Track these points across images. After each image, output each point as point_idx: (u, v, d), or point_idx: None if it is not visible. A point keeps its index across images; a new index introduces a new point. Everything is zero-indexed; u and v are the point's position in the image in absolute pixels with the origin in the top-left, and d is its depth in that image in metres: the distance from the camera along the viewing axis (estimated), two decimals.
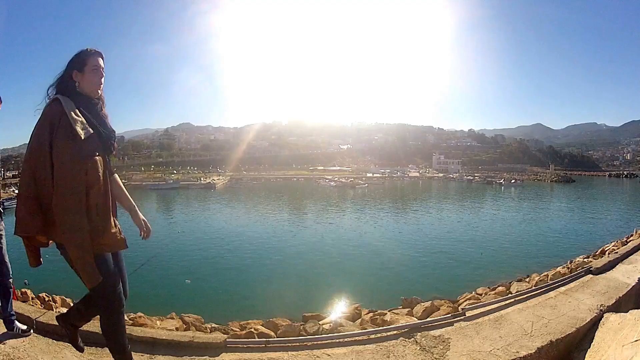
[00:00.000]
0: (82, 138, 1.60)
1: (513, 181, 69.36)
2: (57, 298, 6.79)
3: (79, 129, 1.60)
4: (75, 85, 1.72)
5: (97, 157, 1.67)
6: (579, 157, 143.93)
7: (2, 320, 2.36)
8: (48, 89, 1.74)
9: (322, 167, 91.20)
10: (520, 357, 2.14)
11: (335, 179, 62.08)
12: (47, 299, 7.23)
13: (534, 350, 2.20)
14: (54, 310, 4.91)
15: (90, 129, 1.66)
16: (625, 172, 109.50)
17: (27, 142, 1.69)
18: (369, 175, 76.63)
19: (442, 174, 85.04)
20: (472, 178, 73.84)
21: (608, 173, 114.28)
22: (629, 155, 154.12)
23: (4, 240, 2.42)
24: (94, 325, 2.53)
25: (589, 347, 2.33)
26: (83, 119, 1.65)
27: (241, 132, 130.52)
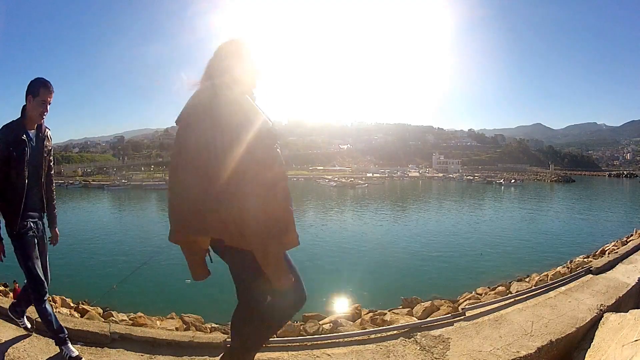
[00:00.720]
0: (271, 129, 1.49)
1: (513, 181, 69.36)
2: (57, 298, 6.80)
3: (265, 118, 1.48)
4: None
5: (279, 150, 1.54)
6: (579, 157, 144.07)
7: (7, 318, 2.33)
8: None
9: (322, 167, 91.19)
10: (521, 357, 2.14)
11: (335, 178, 62.10)
12: None
13: (534, 350, 2.19)
14: (54, 310, 4.90)
15: (269, 121, 1.53)
16: (625, 172, 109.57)
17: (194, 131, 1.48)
18: (369, 175, 76.65)
19: (442, 174, 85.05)
20: (472, 178, 73.85)
21: (608, 173, 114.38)
22: (629, 155, 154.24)
23: (47, 249, 2.26)
24: (93, 325, 2.53)
25: (589, 346, 2.33)
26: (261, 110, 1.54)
27: None
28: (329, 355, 2.22)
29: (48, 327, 2.09)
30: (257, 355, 2.29)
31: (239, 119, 1.42)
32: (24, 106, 2.08)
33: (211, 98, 1.47)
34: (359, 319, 7.21)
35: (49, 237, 2.31)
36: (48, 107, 2.10)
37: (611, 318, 2.50)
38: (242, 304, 1.68)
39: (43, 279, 2.11)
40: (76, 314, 7.10)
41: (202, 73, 1.59)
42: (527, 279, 10.93)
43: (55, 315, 2.13)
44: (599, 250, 12.94)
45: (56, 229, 2.33)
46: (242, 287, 1.65)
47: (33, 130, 2.13)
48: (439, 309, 7.34)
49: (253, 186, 1.40)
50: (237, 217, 1.42)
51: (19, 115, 2.10)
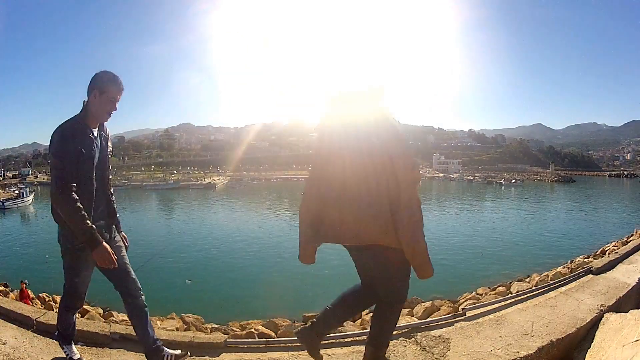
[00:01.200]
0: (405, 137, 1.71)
1: (513, 181, 69.37)
2: (58, 298, 6.80)
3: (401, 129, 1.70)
4: None
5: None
6: (579, 157, 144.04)
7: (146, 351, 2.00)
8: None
9: None
10: (521, 357, 2.14)
11: None
12: (47, 299, 7.23)
13: (534, 351, 2.19)
14: (54, 310, 4.91)
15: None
16: (625, 172, 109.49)
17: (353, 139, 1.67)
18: None
19: (442, 174, 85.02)
20: (472, 178, 73.87)
21: (608, 173, 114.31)
22: (629, 155, 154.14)
23: (125, 252, 2.04)
24: (93, 325, 2.53)
25: (590, 347, 2.33)
26: None
27: (241, 132, 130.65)
28: (329, 355, 2.22)
29: (62, 328, 2.08)
30: (258, 355, 2.30)
31: (391, 133, 1.60)
32: (86, 101, 1.84)
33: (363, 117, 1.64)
34: (360, 319, 7.22)
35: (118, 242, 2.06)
36: (117, 105, 1.88)
37: (611, 318, 2.50)
38: (386, 302, 1.81)
39: (84, 297, 2.04)
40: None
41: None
42: (527, 279, 10.95)
43: (75, 323, 2.10)
44: (599, 251, 12.96)
45: (122, 232, 2.14)
46: (389, 285, 1.77)
47: (95, 129, 1.90)
48: (439, 309, 7.37)
49: (407, 188, 1.59)
50: (400, 217, 1.59)
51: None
